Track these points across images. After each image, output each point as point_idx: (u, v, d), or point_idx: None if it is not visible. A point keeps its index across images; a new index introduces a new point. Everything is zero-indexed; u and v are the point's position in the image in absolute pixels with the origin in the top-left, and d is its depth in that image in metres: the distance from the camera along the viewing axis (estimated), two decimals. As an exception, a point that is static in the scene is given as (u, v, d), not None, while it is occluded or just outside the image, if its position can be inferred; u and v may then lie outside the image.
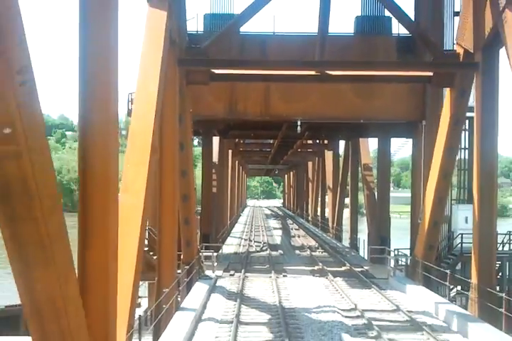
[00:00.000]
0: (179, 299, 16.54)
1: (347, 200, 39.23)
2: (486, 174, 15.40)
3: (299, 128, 24.43)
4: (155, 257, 18.37)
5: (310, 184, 60.00)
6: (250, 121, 27.76)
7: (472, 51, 15.69)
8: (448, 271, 16.91)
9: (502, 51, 14.59)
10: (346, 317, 14.80)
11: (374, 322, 13.91)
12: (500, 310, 13.26)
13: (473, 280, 15.57)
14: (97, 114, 7.99)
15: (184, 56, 16.14)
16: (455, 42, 17.67)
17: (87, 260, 7.79)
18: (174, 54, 14.20)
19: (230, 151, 45.41)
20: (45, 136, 5.74)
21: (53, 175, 5.96)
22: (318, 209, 53.08)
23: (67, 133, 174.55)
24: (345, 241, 37.90)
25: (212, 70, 17.16)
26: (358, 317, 14.84)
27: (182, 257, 19.13)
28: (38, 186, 5.54)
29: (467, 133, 24.12)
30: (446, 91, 17.64)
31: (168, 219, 15.46)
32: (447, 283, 16.79)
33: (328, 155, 44.08)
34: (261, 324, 14.02)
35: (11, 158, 5.30)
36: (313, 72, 17.76)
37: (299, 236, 40.16)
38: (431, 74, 17.49)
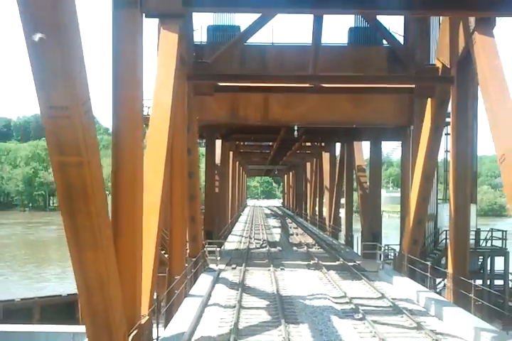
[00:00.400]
0: (186, 289, 18.38)
1: (344, 200, 41.09)
2: (461, 175, 17.27)
3: (296, 132, 26.28)
4: (163, 252, 20.21)
5: (308, 184, 61.86)
6: (251, 125, 29.62)
7: (449, 66, 17.60)
8: (429, 263, 18.74)
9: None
10: (336, 303, 16.65)
11: (360, 307, 15.76)
12: (470, 295, 15.12)
13: (449, 270, 17.43)
14: (126, 123, 9.92)
15: (192, 71, 18.01)
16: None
17: (119, 247, 9.64)
18: (184, 71, 16.07)
19: (231, 153, 47.25)
20: (98, 151, 7.61)
21: (102, 180, 7.82)
22: (317, 208, 54.94)
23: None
24: (342, 239, 39.73)
25: (217, 83, 19.04)
26: (346, 303, 16.69)
27: (188, 251, 20.98)
28: (93, 188, 7.41)
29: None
30: (428, 101, 19.52)
31: (178, 217, 17.29)
32: (429, 274, 18.59)
33: (325, 156, 45.93)
34: (260, 308, 15.86)
35: (74, 167, 7.18)
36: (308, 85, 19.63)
37: (297, 234, 42.00)
38: (414, 86, 19.37)
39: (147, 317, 10.57)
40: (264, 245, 33.19)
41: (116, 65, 10.09)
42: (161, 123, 13.49)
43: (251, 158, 66.84)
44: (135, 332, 9.65)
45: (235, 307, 15.52)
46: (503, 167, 13.06)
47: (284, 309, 15.38)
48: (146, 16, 12.35)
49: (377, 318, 14.75)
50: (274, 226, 52.32)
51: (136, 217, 10.00)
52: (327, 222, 44.43)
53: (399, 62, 25.30)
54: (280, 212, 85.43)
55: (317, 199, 53.93)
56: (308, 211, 61.05)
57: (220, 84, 19.20)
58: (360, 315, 14.85)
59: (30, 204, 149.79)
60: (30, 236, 78.91)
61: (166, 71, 13.63)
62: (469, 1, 14.41)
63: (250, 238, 37.25)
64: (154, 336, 11.41)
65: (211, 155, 30.74)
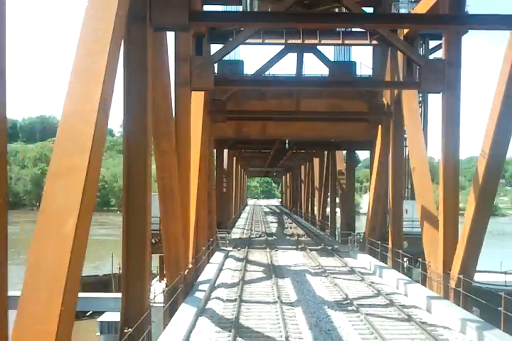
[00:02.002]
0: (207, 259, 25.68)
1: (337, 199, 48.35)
2: (397, 177, 24.72)
3: (287, 145, 33.65)
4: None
5: (303, 185, 69.25)
6: (252, 139, 36.96)
7: (390, 104, 25.02)
8: (379, 242, 26.08)
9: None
10: (312, 269, 23.99)
11: (328, 271, 23.07)
12: (399, 260, 22.57)
13: (390, 245, 24.82)
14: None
15: (210, 106, 25.26)
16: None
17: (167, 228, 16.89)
18: (206, 110, 23.35)
19: (234, 158, 54.66)
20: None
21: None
22: (310, 206, 62.32)
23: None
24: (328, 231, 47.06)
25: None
26: (319, 269, 24.01)
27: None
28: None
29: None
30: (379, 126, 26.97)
31: (201, 210, 24.54)
32: (379, 250, 25.92)
33: (316, 161, 53.30)
34: (259, 271, 23.19)
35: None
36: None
37: (291, 228, 49.45)
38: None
39: (191, 266, 17.94)
40: (262, 235, 40.62)
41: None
42: (194, 142, 20.80)
43: (252, 161, 74.15)
44: (187, 271, 17.04)
45: (241, 270, 22.85)
46: (414, 175, 20.54)
47: (275, 271, 22.71)
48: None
49: (337, 276, 22.07)
50: (272, 222, 59.80)
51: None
52: (317, 218, 51.79)
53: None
54: (278, 210, 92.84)
55: (309, 199, 61.28)
56: (302, 209, 68.39)
57: (230, 114, 26.58)
58: (326, 274, 22.18)
59: (38, 204, 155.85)
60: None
61: (197, 115, 20.94)
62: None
63: (251, 230, 44.74)
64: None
65: (220, 162, 38.15)
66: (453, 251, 17.04)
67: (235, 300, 16.69)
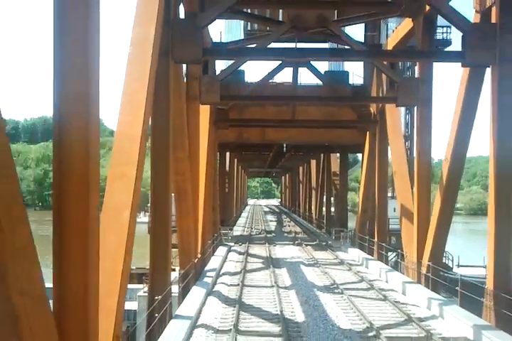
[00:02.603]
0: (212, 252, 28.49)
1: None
2: (381, 181, 27.52)
3: (284, 149, 36.49)
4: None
5: (301, 185, 72.10)
6: (252, 143, 39.82)
7: (376, 113, 27.88)
8: (367, 237, 28.91)
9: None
10: (306, 260, 26.85)
11: (320, 262, 25.94)
12: (382, 252, 25.47)
13: (376, 239, 27.69)
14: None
15: (214, 116, 28.07)
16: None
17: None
18: (212, 119, 26.25)
19: (235, 160, 57.55)
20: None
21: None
22: (308, 206, 65.18)
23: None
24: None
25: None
26: (312, 260, 26.86)
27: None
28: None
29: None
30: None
31: (207, 208, 27.37)
32: (367, 244, 28.76)
33: (313, 163, 56.16)
34: (259, 262, 26.04)
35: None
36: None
37: (289, 226, 52.39)
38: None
39: (200, 255, 20.74)
40: (262, 232, 43.49)
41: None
42: (202, 149, 23.63)
43: (252, 162, 76.96)
44: (196, 260, 19.84)
45: (243, 261, 25.68)
46: (395, 177, 23.42)
47: (273, 262, 25.53)
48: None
49: (328, 266, 24.91)
50: (271, 220, 62.77)
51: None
52: (314, 216, 54.65)
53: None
54: (277, 210, 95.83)
55: (307, 198, 64.13)
56: (301, 208, 71.25)
57: (233, 122, 29.48)
58: (318, 265, 25.02)
59: (41, 204, 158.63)
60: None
61: (204, 128, 23.82)
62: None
63: (251, 228, 47.62)
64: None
65: (223, 164, 41.02)
66: (424, 243, 19.80)
67: (238, 284, 19.52)
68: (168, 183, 14.97)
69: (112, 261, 9.10)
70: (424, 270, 19.35)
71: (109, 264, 8.88)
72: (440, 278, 18.95)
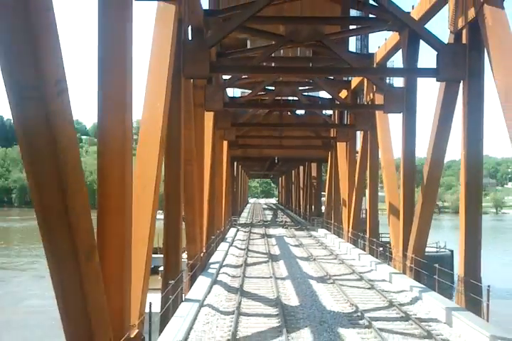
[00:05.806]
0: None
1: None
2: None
3: (276, 161, 51.29)
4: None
5: (293, 186, 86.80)
6: (253, 156, 54.55)
7: (335, 136, 42.49)
8: (332, 221, 43.49)
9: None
10: (288, 235, 41.51)
11: (297, 235, 40.56)
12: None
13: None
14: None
15: (230, 144, 42.44)
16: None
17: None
18: (228, 145, 40.69)
19: (240, 166, 72.39)
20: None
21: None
22: (297, 203, 79.80)
23: (83, 137, 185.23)
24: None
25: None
26: (292, 235, 41.45)
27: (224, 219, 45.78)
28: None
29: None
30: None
31: (220, 202, 41.40)
32: (333, 228, 43.36)
33: (301, 169, 70.98)
34: (258, 236, 40.69)
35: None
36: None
37: (281, 217, 67.43)
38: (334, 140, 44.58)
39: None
40: (260, 222, 58.48)
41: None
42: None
43: (252, 167, 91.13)
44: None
45: (248, 234, 40.39)
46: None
47: (267, 235, 40.17)
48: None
49: (301, 237, 39.44)
50: (269, 214, 77.76)
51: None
52: (301, 211, 69.48)
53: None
54: (275, 207, 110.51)
55: (297, 197, 78.81)
56: (293, 205, 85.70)
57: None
58: (297, 238, 39.49)
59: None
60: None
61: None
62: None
63: (253, 219, 62.68)
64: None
65: (232, 171, 55.85)
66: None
67: (245, 245, 34.10)
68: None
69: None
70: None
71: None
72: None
